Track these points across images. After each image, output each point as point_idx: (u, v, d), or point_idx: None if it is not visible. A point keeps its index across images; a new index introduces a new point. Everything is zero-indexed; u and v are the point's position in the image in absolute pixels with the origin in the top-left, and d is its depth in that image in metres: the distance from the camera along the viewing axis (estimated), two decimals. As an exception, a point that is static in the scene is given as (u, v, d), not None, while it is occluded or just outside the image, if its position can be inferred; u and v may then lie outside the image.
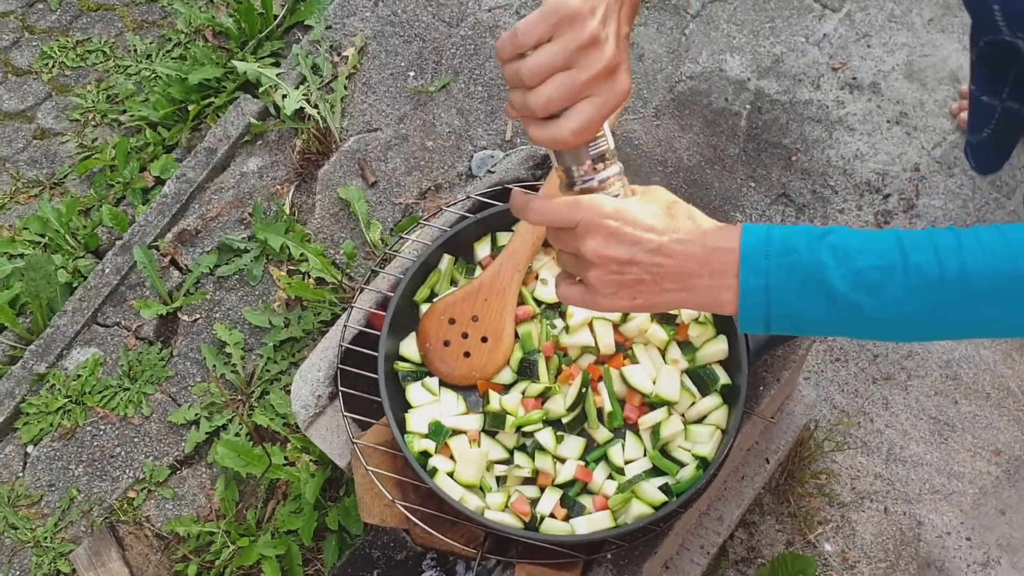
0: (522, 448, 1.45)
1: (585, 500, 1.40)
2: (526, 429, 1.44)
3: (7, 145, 2.64)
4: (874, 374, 2.01)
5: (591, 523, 1.36)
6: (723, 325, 1.46)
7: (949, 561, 1.83)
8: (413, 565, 1.57)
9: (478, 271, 1.58)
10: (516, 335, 1.51)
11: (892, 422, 1.96)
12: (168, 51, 2.72)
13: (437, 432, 1.44)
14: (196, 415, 2.13)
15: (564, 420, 1.44)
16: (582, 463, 1.42)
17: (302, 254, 2.23)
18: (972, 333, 0.95)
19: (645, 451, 1.43)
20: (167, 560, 1.99)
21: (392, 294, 1.56)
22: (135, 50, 2.73)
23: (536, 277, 1.55)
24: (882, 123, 2.27)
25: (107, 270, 2.33)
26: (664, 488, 1.38)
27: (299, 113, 2.46)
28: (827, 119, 2.30)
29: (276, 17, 2.64)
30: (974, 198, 2.15)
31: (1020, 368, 1.99)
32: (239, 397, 2.15)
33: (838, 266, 0.92)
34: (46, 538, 2.05)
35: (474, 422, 1.47)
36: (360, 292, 1.65)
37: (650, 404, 1.45)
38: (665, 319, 1.49)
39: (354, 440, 1.48)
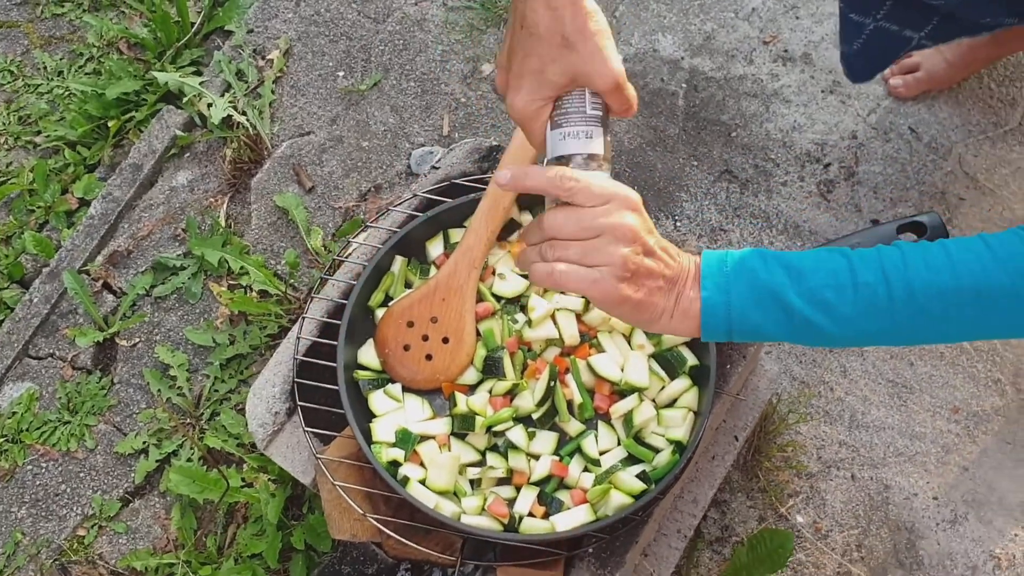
0: (494, 448, 1.42)
1: (563, 495, 1.37)
2: (497, 428, 1.40)
3: (-86, 176, 2.49)
4: (830, 343, 2.02)
5: (571, 518, 1.33)
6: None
7: (919, 522, 1.85)
8: (387, 578, 1.53)
9: (433, 271, 1.54)
10: (478, 333, 1.48)
11: (851, 389, 1.98)
12: (80, 66, 2.60)
13: (405, 440, 1.39)
14: (144, 443, 2.03)
15: (534, 416, 1.41)
16: (556, 458, 1.39)
17: (242, 267, 2.15)
18: (923, 342, 1.04)
19: (619, 440, 1.41)
20: (125, 597, 1.90)
21: (345, 301, 1.50)
22: (45, 67, 2.61)
23: (493, 272, 1.51)
24: (816, 93, 2.28)
25: (35, 299, 2.22)
26: (642, 476, 1.36)
27: (227, 121, 2.37)
28: (763, 93, 2.30)
29: (193, 24, 2.53)
30: (912, 161, 2.17)
31: (970, 325, 2.01)
32: (188, 421, 2.06)
33: (793, 284, 0.99)
34: (-8, 587, 1.94)
35: (442, 426, 1.43)
36: (310, 301, 1.59)
37: (620, 392, 1.43)
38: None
39: (318, 455, 1.43)
